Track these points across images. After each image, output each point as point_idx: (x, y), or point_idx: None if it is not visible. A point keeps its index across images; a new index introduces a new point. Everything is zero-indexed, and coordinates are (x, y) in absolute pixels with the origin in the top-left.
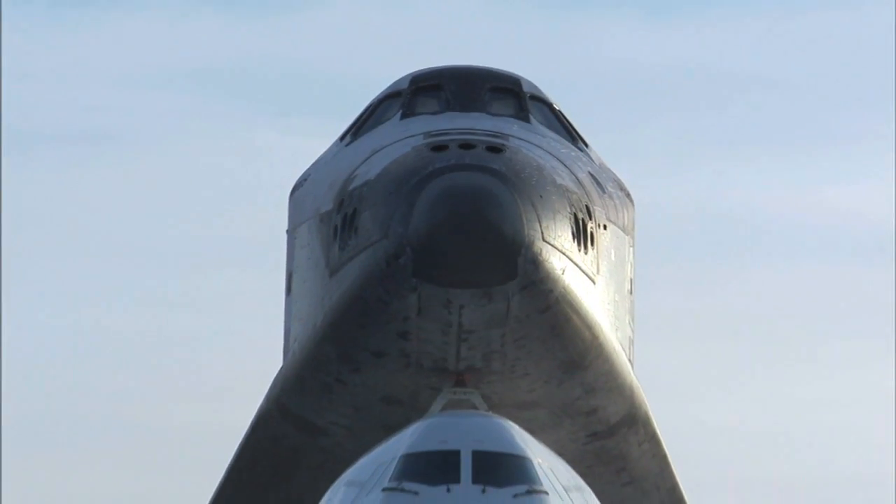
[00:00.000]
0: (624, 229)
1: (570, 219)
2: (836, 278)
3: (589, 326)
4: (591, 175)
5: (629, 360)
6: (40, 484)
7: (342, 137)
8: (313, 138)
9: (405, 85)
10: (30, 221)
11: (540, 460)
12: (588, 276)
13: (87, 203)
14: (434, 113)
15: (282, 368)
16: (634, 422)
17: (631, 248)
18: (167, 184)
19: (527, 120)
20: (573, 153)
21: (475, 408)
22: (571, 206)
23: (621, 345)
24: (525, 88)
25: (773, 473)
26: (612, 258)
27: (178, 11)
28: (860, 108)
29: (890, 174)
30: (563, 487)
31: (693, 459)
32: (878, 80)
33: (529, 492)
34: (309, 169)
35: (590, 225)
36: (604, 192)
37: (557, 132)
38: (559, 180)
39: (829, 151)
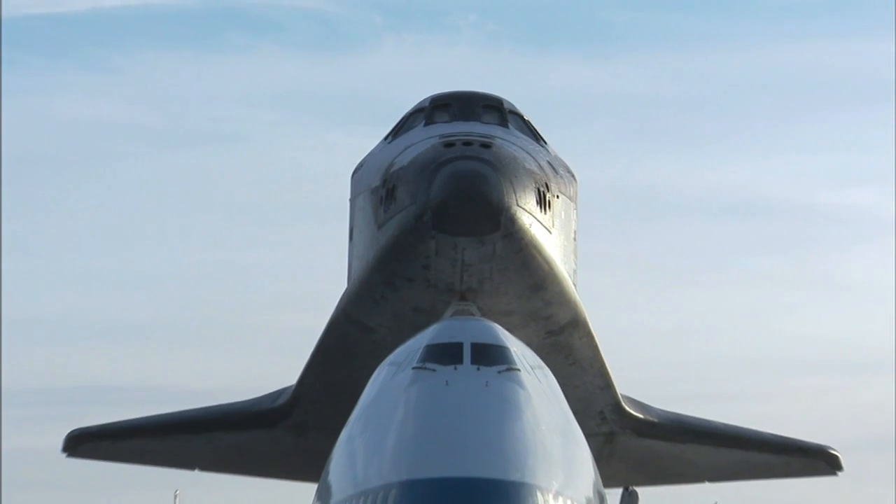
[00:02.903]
0: (570, 198)
1: (535, 191)
2: (714, 231)
3: (547, 261)
4: (549, 162)
5: (574, 284)
6: (186, 361)
7: (385, 138)
8: (366, 139)
9: (427, 104)
10: (180, 191)
11: (515, 349)
12: (547, 228)
13: (219, 181)
14: (446, 122)
15: (346, 289)
16: (577, 324)
17: (575, 211)
18: (270, 168)
19: (507, 127)
20: (537, 148)
21: (472, 315)
22: (536, 183)
23: (568, 274)
24: (505, 105)
25: (666, 356)
26: (563, 217)
27: (276, 54)
28: (732, 118)
29: (749, 164)
30: (530, 366)
31: (615, 347)
32: (745, 102)
33: (509, 369)
34: (364, 158)
35: (548, 195)
36: (557, 173)
37: (527, 134)
38: (528, 166)
39: (711, 147)
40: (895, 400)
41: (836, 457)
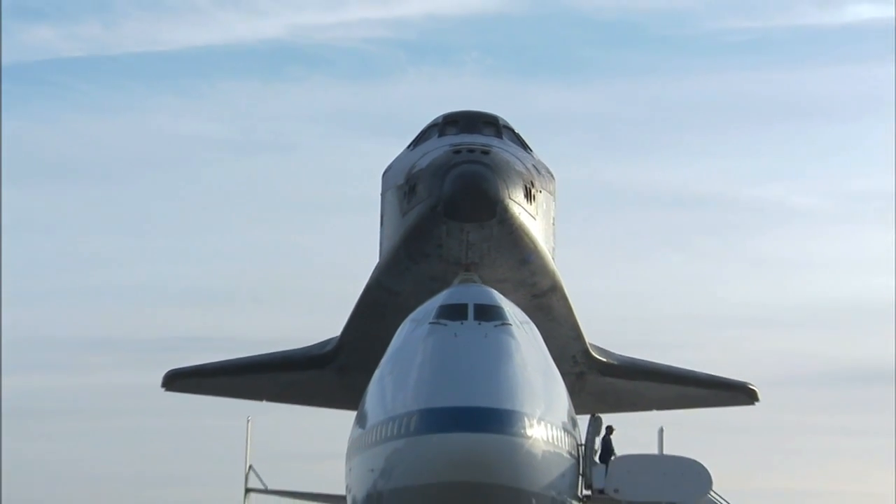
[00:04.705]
0: (550, 193)
1: (523, 188)
2: (663, 218)
3: (532, 241)
4: (534, 165)
5: (553, 258)
6: (256, 317)
7: (408, 146)
8: (394, 147)
9: (440, 120)
10: (251, 188)
11: (508, 308)
12: (532, 216)
13: (280, 180)
14: (455, 134)
15: (377, 262)
16: (555, 289)
17: (553, 203)
18: (319, 170)
19: (501, 138)
20: (524, 154)
21: (475, 282)
22: (524, 181)
23: (549, 251)
24: (500, 121)
25: (624, 314)
26: (544, 207)
27: (324, 83)
28: (676, 131)
29: (689, 166)
30: (519, 322)
31: (585, 307)
32: (686, 119)
33: (503, 324)
34: (392, 162)
35: (533, 191)
36: (540, 173)
37: (517, 144)
38: (517, 168)
39: (660, 153)
40: (807, 348)
41: (755, 391)
